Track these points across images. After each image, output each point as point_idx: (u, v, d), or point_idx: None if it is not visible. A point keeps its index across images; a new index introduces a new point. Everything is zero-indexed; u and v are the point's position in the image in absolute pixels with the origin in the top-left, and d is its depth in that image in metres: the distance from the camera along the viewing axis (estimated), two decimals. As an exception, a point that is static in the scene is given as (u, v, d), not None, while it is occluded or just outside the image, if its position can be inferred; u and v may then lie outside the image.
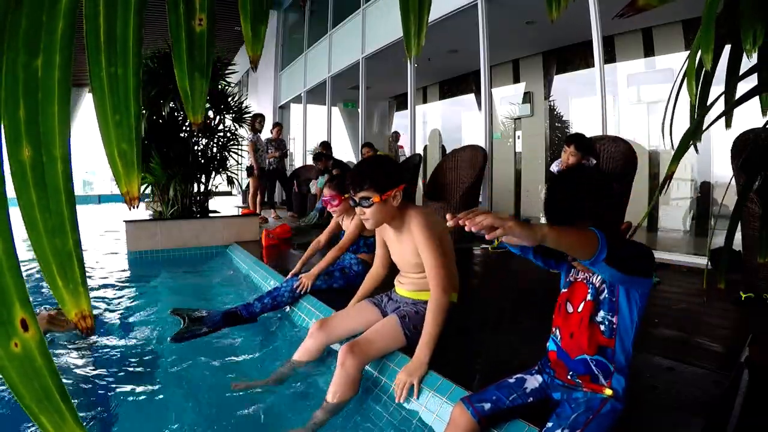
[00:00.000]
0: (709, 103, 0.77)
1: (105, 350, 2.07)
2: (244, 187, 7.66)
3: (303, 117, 9.25)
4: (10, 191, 0.32)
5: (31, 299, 0.32)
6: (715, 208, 4.49)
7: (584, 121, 5.61)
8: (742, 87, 0.78)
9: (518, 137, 6.76)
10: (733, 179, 2.11)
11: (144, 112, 4.25)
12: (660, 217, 4.72)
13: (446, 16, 4.86)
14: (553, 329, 1.13)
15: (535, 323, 1.87)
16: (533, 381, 1.13)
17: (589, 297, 1.05)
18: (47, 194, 0.32)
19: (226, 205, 6.84)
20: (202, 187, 4.84)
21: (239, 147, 5.13)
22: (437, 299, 1.50)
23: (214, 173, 4.89)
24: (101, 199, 12.77)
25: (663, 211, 4.72)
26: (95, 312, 2.68)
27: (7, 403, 1.54)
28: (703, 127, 0.73)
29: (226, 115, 5.02)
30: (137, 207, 0.38)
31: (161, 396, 1.67)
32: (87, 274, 0.39)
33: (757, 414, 1.00)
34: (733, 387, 1.13)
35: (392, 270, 1.86)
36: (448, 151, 6.71)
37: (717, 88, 0.80)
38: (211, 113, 4.90)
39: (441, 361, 1.49)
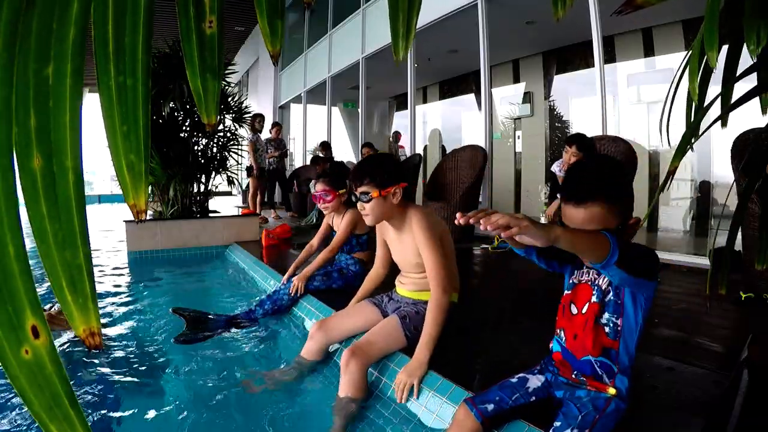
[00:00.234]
0: (708, 103, 0.77)
1: (105, 350, 2.07)
2: (244, 187, 7.66)
3: (303, 117, 9.25)
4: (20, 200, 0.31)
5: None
6: (716, 208, 4.50)
7: (584, 121, 5.61)
8: (741, 87, 0.78)
9: (518, 137, 6.76)
10: (734, 179, 2.11)
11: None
12: (660, 217, 4.72)
13: (446, 16, 4.86)
14: (557, 330, 1.14)
15: (535, 323, 1.87)
16: (535, 380, 1.13)
17: (594, 299, 1.05)
18: (58, 205, 0.32)
19: (226, 205, 6.84)
20: (202, 187, 4.84)
21: (239, 147, 5.13)
22: (437, 299, 1.50)
23: (214, 173, 4.89)
24: (101, 199, 12.77)
25: (663, 211, 4.73)
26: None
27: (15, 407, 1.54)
28: (703, 127, 0.73)
29: (226, 115, 5.02)
30: (144, 219, 0.38)
31: (161, 395, 1.68)
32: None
33: (757, 414, 1.00)
34: (733, 387, 1.14)
35: (393, 270, 1.86)
36: (448, 151, 6.71)
37: (715, 87, 0.81)
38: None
39: (441, 361, 1.50)
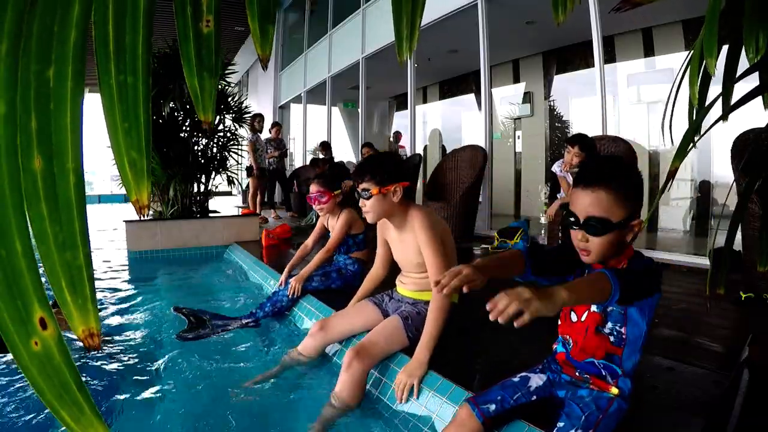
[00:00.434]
0: (708, 103, 0.77)
1: (105, 350, 2.07)
2: (244, 187, 7.67)
3: (303, 117, 9.26)
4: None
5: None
6: (716, 208, 4.50)
7: (584, 121, 5.62)
8: (741, 87, 0.78)
9: (518, 137, 6.76)
10: (734, 179, 2.11)
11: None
12: (660, 217, 4.72)
13: (446, 16, 4.86)
14: (561, 335, 1.14)
15: (535, 323, 1.87)
16: (537, 379, 1.13)
17: (594, 308, 1.05)
18: (58, 207, 0.32)
19: (226, 205, 6.85)
20: (202, 187, 4.84)
21: (239, 147, 5.13)
22: (438, 300, 1.50)
23: (214, 173, 4.89)
24: (101, 199, 12.78)
25: (663, 211, 4.73)
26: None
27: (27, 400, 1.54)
28: (704, 127, 0.73)
29: (226, 115, 5.02)
30: (147, 215, 0.38)
31: (161, 394, 1.68)
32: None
33: (757, 414, 1.00)
34: (733, 387, 1.14)
35: (393, 270, 1.86)
36: (448, 151, 6.71)
37: (716, 87, 0.81)
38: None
39: (441, 361, 1.50)
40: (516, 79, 6.80)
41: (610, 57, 5.10)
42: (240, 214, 5.27)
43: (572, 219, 1.02)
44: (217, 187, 5.20)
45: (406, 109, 5.82)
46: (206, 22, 0.38)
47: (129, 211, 5.66)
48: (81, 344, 0.34)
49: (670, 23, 4.70)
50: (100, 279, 3.50)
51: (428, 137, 8.67)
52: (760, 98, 0.76)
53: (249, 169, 6.30)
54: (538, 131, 6.45)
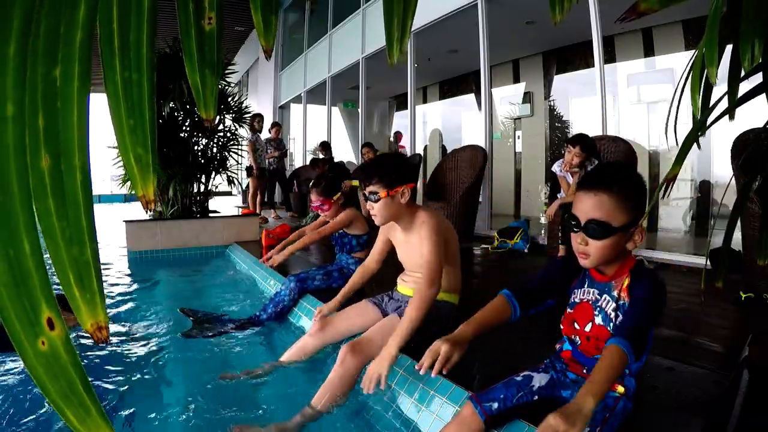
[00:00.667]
0: (711, 105, 0.77)
1: (105, 349, 2.07)
2: (244, 187, 7.67)
3: (303, 117, 9.26)
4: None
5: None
6: (715, 208, 4.50)
7: (584, 121, 5.62)
8: (743, 86, 0.78)
9: (518, 137, 6.77)
10: (734, 179, 2.11)
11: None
12: (660, 217, 4.72)
13: (446, 16, 4.86)
14: (565, 335, 1.14)
15: (535, 323, 1.87)
16: (540, 379, 1.13)
17: (599, 321, 1.05)
18: (65, 203, 0.33)
19: (226, 205, 6.85)
20: (202, 187, 4.84)
21: (239, 147, 5.14)
22: (422, 291, 1.47)
23: (214, 173, 4.89)
24: (101, 198, 12.78)
25: (663, 211, 4.73)
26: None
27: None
28: (707, 126, 0.73)
29: (226, 115, 5.02)
30: (153, 210, 0.39)
31: (161, 393, 1.68)
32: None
33: (757, 414, 1.01)
34: (733, 387, 1.14)
35: (393, 270, 1.86)
36: (448, 151, 6.71)
37: (720, 87, 0.81)
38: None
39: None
40: (516, 79, 6.80)
41: (610, 57, 5.10)
42: (240, 214, 5.27)
43: (573, 222, 1.02)
44: (217, 187, 5.20)
45: (406, 109, 5.82)
46: (208, 19, 0.38)
47: (129, 211, 5.66)
48: (82, 344, 0.35)
49: (670, 23, 4.71)
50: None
51: (428, 137, 8.68)
52: (759, 97, 0.76)
53: (249, 169, 6.30)
54: (538, 131, 6.45)
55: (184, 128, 4.67)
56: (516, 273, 3.18)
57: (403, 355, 1.58)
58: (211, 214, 4.80)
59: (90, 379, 0.34)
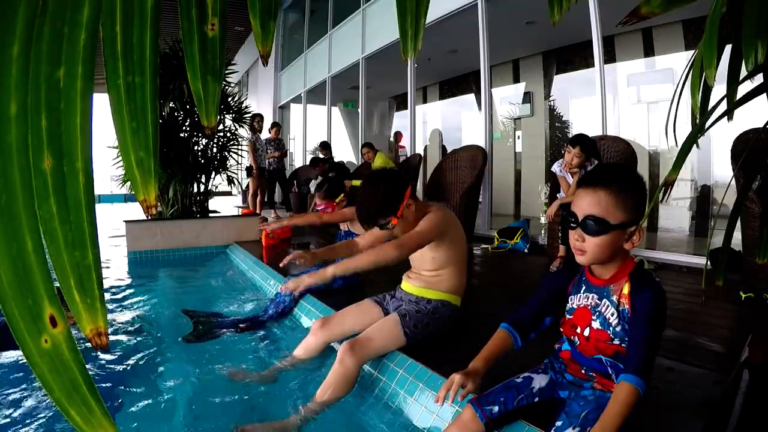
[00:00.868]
0: (710, 108, 0.77)
1: (104, 349, 2.07)
2: (244, 187, 7.67)
3: (303, 117, 9.25)
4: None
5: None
6: (715, 208, 4.50)
7: (584, 121, 5.62)
8: (743, 86, 0.78)
9: (518, 137, 6.76)
10: (733, 179, 2.11)
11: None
12: (660, 217, 4.72)
13: (446, 16, 4.86)
14: (565, 335, 1.14)
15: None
16: (540, 380, 1.13)
17: (597, 326, 1.05)
18: (68, 206, 0.33)
19: (226, 205, 6.85)
20: (202, 187, 4.84)
21: (239, 147, 5.14)
22: (385, 247, 1.52)
23: (214, 173, 4.89)
24: (101, 198, 12.77)
25: (663, 211, 4.73)
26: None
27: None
28: (706, 127, 0.73)
29: (226, 115, 5.03)
30: (155, 214, 0.39)
31: (161, 394, 1.68)
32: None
33: (757, 414, 1.00)
34: (733, 387, 1.14)
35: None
36: (448, 151, 6.71)
37: (719, 88, 0.81)
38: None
39: (441, 360, 1.50)
40: (516, 79, 6.80)
41: (610, 57, 5.10)
42: (240, 214, 5.27)
43: (571, 218, 1.02)
44: (217, 187, 5.20)
45: (406, 109, 5.82)
46: (211, 25, 0.38)
47: (129, 211, 5.66)
48: (83, 344, 0.35)
49: (670, 23, 4.70)
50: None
51: (428, 137, 8.67)
52: (759, 98, 0.76)
53: (249, 169, 6.30)
54: (538, 131, 6.45)
55: (184, 128, 4.68)
56: (516, 273, 3.18)
57: (402, 355, 1.58)
58: (211, 215, 4.81)
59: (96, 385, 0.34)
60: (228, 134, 5.01)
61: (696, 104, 0.71)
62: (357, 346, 1.53)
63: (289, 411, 1.49)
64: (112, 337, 2.24)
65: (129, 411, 1.56)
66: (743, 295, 2.10)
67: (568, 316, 1.13)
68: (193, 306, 2.62)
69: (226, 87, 5.13)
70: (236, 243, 4.34)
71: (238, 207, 7.42)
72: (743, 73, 0.77)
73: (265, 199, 6.72)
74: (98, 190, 14.27)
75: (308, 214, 2.52)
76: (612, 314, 1.03)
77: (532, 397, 1.11)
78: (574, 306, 1.11)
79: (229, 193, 8.75)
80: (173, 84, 4.26)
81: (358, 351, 1.52)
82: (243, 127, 5.36)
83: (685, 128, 0.82)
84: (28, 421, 1.48)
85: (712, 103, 0.77)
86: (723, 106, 0.73)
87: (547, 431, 1.03)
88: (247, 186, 6.65)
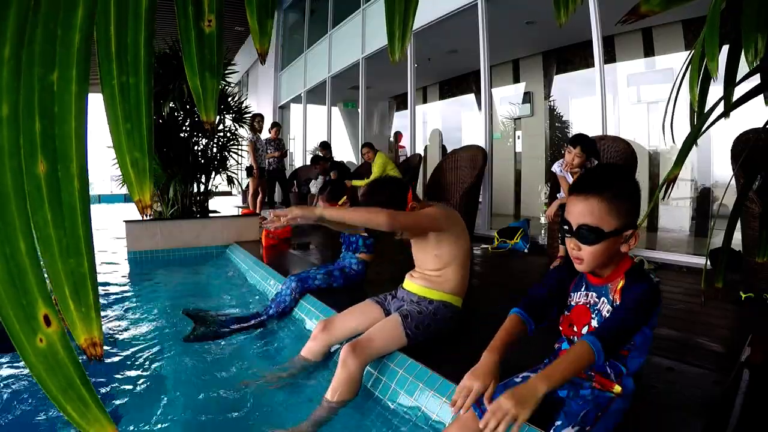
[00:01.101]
0: (710, 107, 0.77)
1: (104, 349, 2.07)
2: (244, 187, 7.67)
3: (303, 117, 9.25)
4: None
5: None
6: (715, 208, 4.49)
7: (584, 121, 5.62)
8: (742, 86, 0.78)
9: (518, 137, 6.76)
10: (733, 179, 2.11)
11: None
12: (660, 217, 4.72)
13: (446, 16, 4.86)
14: (564, 335, 1.14)
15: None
16: None
17: (595, 324, 1.05)
18: (63, 212, 0.33)
19: (226, 205, 6.85)
20: (202, 187, 4.84)
21: (239, 147, 5.14)
22: (376, 210, 1.50)
23: (214, 173, 4.89)
24: (101, 199, 12.78)
25: (663, 211, 4.73)
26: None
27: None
28: (704, 128, 0.73)
29: (226, 115, 5.03)
30: (150, 215, 0.38)
31: (162, 394, 1.68)
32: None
33: (757, 414, 1.00)
34: (733, 387, 1.14)
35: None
36: (448, 151, 6.71)
37: (716, 88, 0.81)
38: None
39: (441, 360, 1.50)
40: (516, 79, 6.80)
41: (610, 57, 5.09)
42: (240, 214, 5.27)
43: (566, 227, 1.02)
44: (217, 187, 5.20)
45: (406, 109, 5.82)
46: (208, 22, 0.38)
47: (129, 211, 5.65)
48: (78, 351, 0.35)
49: (670, 23, 4.70)
50: (99, 279, 3.50)
51: (428, 137, 8.67)
52: (759, 97, 0.76)
53: (249, 169, 6.30)
54: (538, 131, 6.45)
55: (184, 128, 4.67)
56: (516, 273, 3.18)
57: (402, 355, 1.58)
58: (211, 214, 4.80)
59: (90, 380, 0.34)
60: (228, 134, 5.01)
61: (695, 98, 0.71)
62: (359, 348, 1.53)
63: (296, 416, 1.49)
64: (111, 338, 2.23)
65: (130, 411, 1.56)
66: (743, 295, 2.10)
67: (566, 313, 1.13)
68: (193, 306, 2.62)
69: (226, 87, 5.12)
70: (236, 243, 4.34)
71: (238, 207, 7.42)
72: (742, 74, 0.77)
73: (265, 199, 6.72)
74: (98, 191, 14.30)
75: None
76: (608, 311, 1.03)
77: None
78: (573, 303, 1.11)
79: (229, 193, 8.75)
80: (173, 84, 4.26)
81: (359, 352, 1.52)
82: (243, 127, 5.36)
83: (683, 125, 0.82)
84: (28, 421, 1.48)
85: (710, 100, 0.77)
86: (722, 107, 0.73)
87: (546, 431, 1.03)
88: (247, 186, 6.65)
